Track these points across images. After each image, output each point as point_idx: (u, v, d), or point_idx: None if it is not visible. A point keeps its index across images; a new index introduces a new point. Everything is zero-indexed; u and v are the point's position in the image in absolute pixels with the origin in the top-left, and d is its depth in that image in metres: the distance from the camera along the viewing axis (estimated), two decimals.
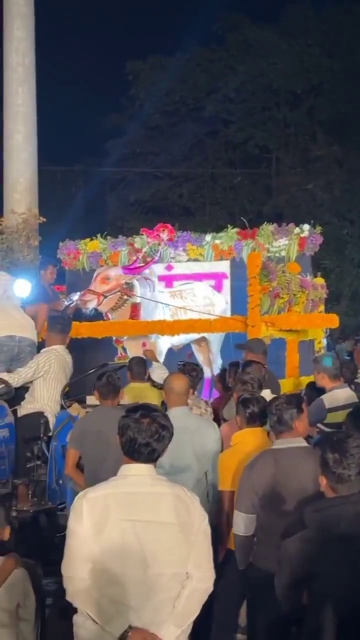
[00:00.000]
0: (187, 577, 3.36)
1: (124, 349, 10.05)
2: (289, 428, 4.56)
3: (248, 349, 7.75)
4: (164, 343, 9.97)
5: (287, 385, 9.03)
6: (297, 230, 10.91)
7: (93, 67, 29.55)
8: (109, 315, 9.95)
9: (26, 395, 7.21)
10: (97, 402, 6.18)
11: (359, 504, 3.12)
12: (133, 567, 3.27)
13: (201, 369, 7.24)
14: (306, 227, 10.96)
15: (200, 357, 10.44)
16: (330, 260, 25.61)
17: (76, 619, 3.50)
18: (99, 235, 11.61)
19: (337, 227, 26.23)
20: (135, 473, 3.40)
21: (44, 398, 7.11)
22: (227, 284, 11.11)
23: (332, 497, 3.19)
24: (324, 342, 15.65)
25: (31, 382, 7.19)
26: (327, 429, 6.37)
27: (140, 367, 7.84)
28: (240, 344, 8.36)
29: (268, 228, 11.00)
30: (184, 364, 7.15)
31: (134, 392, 7.41)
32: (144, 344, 9.86)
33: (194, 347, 10.65)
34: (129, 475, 3.41)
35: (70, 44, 29.32)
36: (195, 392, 7.21)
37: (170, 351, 10.21)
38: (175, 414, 5.57)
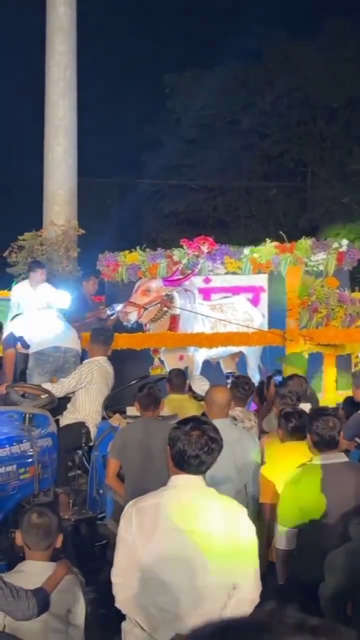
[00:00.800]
0: (234, 588, 3.41)
1: (161, 360, 10.10)
2: (330, 445, 4.60)
3: (289, 363, 7.80)
4: (200, 355, 10.03)
5: (324, 400, 9.06)
6: (335, 244, 10.93)
7: (131, 80, 29.75)
8: (148, 326, 10.03)
9: (68, 406, 7.31)
10: (138, 413, 6.25)
11: None
12: (181, 576, 3.32)
13: (252, 383, 7.29)
14: (345, 241, 10.99)
15: (227, 371, 10.48)
16: None
17: (124, 625, 3.57)
18: (137, 248, 11.70)
19: None
20: (185, 484, 3.46)
21: (86, 409, 7.19)
22: (264, 297, 11.15)
23: None
24: None
25: (73, 392, 7.29)
26: None
27: (179, 379, 7.91)
28: (282, 357, 8.40)
29: (306, 242, 11.03)
30: (237, 377, 7.22)
31: (173, 404, 7.46)
32: (181, 357, 9.93)
33: (222, 362, 10.65)
34: (179, 486, 3.47)
35: (109, 56, 29.58)
36: (246, 406, 7.28)
37: (207, 363, 10.26)
38: (217, 426, 5.65)
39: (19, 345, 8.56)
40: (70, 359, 7.84)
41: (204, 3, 31.31)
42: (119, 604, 3.50)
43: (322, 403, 8.80)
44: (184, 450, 3.43)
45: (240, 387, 6.59)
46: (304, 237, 11.23)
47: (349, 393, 9.95)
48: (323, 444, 4.65)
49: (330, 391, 9.57)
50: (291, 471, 4.82)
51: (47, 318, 8.71)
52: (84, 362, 7.57)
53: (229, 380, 7.90)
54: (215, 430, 3.58)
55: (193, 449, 3.42)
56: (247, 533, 3.47)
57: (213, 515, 3.41)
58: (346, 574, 3.15)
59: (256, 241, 11.49)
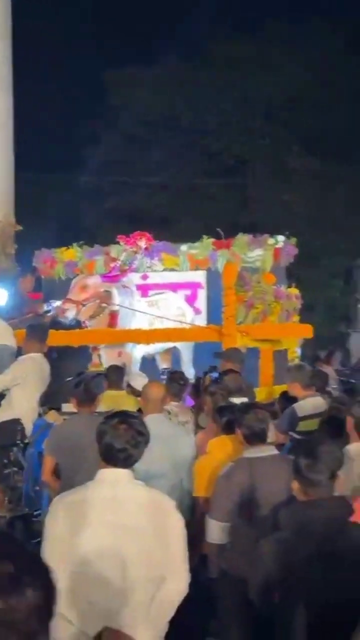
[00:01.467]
0: (162, 580, 3.43)
1: (99, 357, 10.08)
2: (261, 438, 4.66)
3: (226, 357, 7.85)
4: (138, 352, 10.05)
5: (261, 394, 9.16)
6: (271, 241, 11.03)
7: (72, 76, 29.58)
8: (87, 323, 10.00)
9: (2, 403, 7.26)
10: (74, 410, 6.23)
11: (331, 508, 3.22)
12: (109, 570, 3.33)
13: (187, 378, 7.33)
14: (281, 238, 11.09)
15: (163, 366, 10.51)
16: (305, 271, 25.83)
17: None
18: (74, 244, 11.64)
19: (312, 238, 26.47)
20: (112, 478, 3.47)
21: (22, 405, 7.15)
22: (202, 293, 11.21)
23: (305, 500, 3.29)
24: (299, 351, 15.86)
25: (8, 389, 7.24)
26: (299, 437, 6.47)
27: (117, 375, 7.91)
28: (219, 352, 8.45)
29: (243, 238, 11.11)
30: (172, 372, 7.26)
31: (111, 400, 7.44)
32: (119, 353, 9.93)
33: (159, 357, 10.69)
34: (106, 480, 3.48)
35: (48, 52, 29.35)
36: (182, 401, 7.32)
37: (145, 359, 10.28)
38: (151, 421, 5.66)
39: None
40: (5, 356, 7.77)
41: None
42: None
43: (258, 398, 8.90)
44: (111, 444, 3.44)
45: (175, 382, 6.65)
46: (240, 233, 11.30)
47: (285, 388, 10.12)
48: (253, 437, 4.71)
49: (267, 386, 9.66)
50: (224, 465, 4.87)
51: None
52: (18, 359, 7.52)
53: (164, 376, 7.94)
54: (142, 423, 3.60)
55: (120, 442, 3.43)
56: (175, 526, 3.50)
57: (141, 509, 3.42)
58: (273, 563, 3.19)
59: (198, 238, 11.49)
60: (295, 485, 3.34)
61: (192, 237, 11.41)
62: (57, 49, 29.14)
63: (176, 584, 3.48)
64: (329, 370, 16.14)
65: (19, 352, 7.85)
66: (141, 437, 3.50)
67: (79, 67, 29.58)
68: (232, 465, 4.75)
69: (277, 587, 3.22)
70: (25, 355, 7.45)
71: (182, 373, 7.53)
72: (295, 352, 10.88)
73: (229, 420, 5.24)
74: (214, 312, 10.40)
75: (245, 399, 6.40)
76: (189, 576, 3.56)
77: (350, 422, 4.95)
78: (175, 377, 6.90)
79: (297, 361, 10.49)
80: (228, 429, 5.28)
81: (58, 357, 10.30)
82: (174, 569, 3.45)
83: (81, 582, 3.36)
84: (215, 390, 6.20)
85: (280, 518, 3.33)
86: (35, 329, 7.80)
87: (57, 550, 3.42)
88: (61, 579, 3.39)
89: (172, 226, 28.43)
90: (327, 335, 27.42)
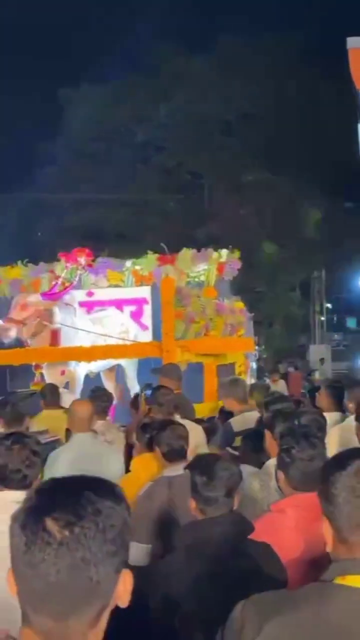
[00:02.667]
0: None
1: (42, 375, 9.96)
2: (180, 455, 4.58)
3: (162, 374, 7.76)
4: (82, 370, 9.95)
5: (205, 409, 9.08)
6: (215, 255, 10.97)
7: (25, 94, 29.56)
8: (29, 342, 9.89)
9: None
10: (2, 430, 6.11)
11: (226, 524, 3.14)
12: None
13: (111, 395, 7.24)
14: (224, 252, 11.03)
15: (109, 385, 10.40)
16: (263, 284, 25.98)
17: None
18: (19, 262, 11.51)
19: (268, 252, 26.64)
20: (8, 500, 3.37)
21: None
22: (147, 309, 11.11)
23: (200, 519, 3.22)
24: (254, 365, 15.83)
25: None
26: (236, 453, 6.40)
27: (54, 395, 7.78)
28: (155, 368, 8.37)
29: (188, 253, 11.03)
30: (94, 390, 7.14)
31: (48, 420, 7.32)
32: (62, 372, 9.82)
33: (103, 375, 10.60)
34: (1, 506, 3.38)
35: (5, 69, 29.37)
36: (108, 418, 7.22)
37: (87, 378, 10.18)
38: (78, 440, 5.59)
39: None
40: None
41: (99, 16, 31.45)
42: None
43: (203, 413, 8.84)
44: (5, 465, 3.36)
45: (99, 400, 6.54)
46: (184, 248, 11.25)
47: None
48: (172, 455, 4.62)
49: (212, 401, 9.58)
50: (145, 484, 4.78)
51: None
52: None
53: (147, 392, 7.84)
54: (37, 443, 3.52)
55: (14, 463, 3.35)
56: None
57: None
58: (170, 583, 3.11)
59: (156, 254, 11.38)
60: (192, 503, 3.26)
61: (152, 253, 11.32)
62: (9, 67, 29.12)
63: None
64: (280, 384, 16.26)
65: None
66: (36, 457, 3.42)
67: (31, 84, 29.59)
68: (151, 485, 4.65)
69: (176, 610, 3.14)
70: None
71: (105, 390, 7.43)
72: (242, 366, 10.80)
73: (151, 437, 5.15)
74: (159, 328, 10.32)
75: (177, 416, 6.31)
76: None
77: (268, 437, 4.88)
78: (99, 395, 6.80)
79: (243, 375, 10.45)
80: (151, 446, 5.20)
81: (1, 377, 10.22)
82: None
83: None
84: (163, 402, 6.07)
85: (175, 537, 3.26)
86: None
87: None
88: None
89: (131, 242, 28.46)
90: (286, 347, 27.52)
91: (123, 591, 1.43)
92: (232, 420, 6.85)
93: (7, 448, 3.38)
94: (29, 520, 1.37)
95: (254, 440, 5.29)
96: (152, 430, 5.18)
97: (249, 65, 28.52)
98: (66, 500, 1.38)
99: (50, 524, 1.36)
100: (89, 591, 1.36)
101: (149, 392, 7.49)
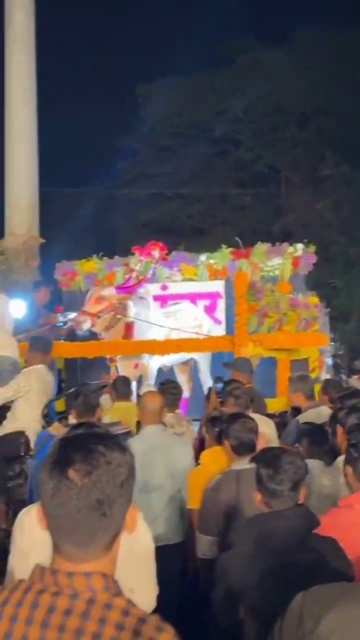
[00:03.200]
0: (130, 591, 3.38)
1: (116, 368, 10.07)
2: (249, 448, 4.58)
3: (234, 368, 7.76)
4: (155, 363, 10.00)
5: (278, 404, 9.05)
6: (290, 249, 10.92)
7: (104, 90, 29.83)
8: (103, 335, 9.99)
9: (7, 415, 7.27)
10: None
11: (292, 518, 3.14)
12: None
13: (180, 387, 7.27)
14: (300, 246, 10.98)
15: (182, 378, 10.44)
16: (339, 279, 25.66)
17: None
18: (94, 256, 11.67)
19: (345, 246, 26.28)
20: None
21: (25, 417, 7.15)
22: (221, 303, 11.14)
23: (266, 512, 3.21)
24: (329, 361, 15.64)
25: (12, 401, 7.25)
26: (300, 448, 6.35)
27: (125, 387, 7.87)
28: (227, 362, 8.37)
29: (262, 247, 11.02)
30: (163, 383, 7.18)
31: (119, 412, 7.43)
32: (136, 365, 9.90)
33: (176, 369, 10.64)
34: None
35: (80, 66, 29.66)
36: (178, 410, 7.25)
37: (161, 371, 10.24)
38: (149, 432, 5.65)
39: None
40: (7, 367, 7.78)
41: (174, 10, 31.48)
42: None
43: (276, 408, 8.81)
44: None
45: (168, 392, 6.57)
46: (259, 242, 11.22)
47: None
48: (241, 448, 4.63)
49: (284, 395, 9.53)
50: (213, 477, 4.80)
51: None
52: (22, 371, 7.51)
53: (218, 385, 7.86)
54: (107, 432, 3.56)
55: None
56: (142, 537, 3.45)
57: None
58: (235, 576, 3.12)
59: (232, 248, 11.38)
60: (257, 496, 3.27)
61: (229, 248, 11.32)
62: (85, 62, 29.41)
63: (144, 596, 3.42)
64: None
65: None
66: None
67: (110, 80, 29.82)
68: (220, 478, 4.67)
69: (240, 602, 3.15)
70: (29, 368, 7.46)
71: (175, 383, 7.44)
72: (316, 362, 10.70)
73: (220, 430, 5.16)
74: (232, 322, 10.32)
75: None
76: (157, 588, 3.51)
77: (340, 432, 4.84)
78: (167, 388, 6.82)
79: (317, 371, 10.37)
80: (220, 439, 5.21)
81: (75, 368, 10.35)
82: (140, 580, 3.40)
83: None
84: (239, 394, 6.05)
85: (240, 531, 3.27)
86: (38, 341, 7.81)
87: (21, 561, 3.40)
88: None
89: (206, 237, 28.46)
90: None
91: (130, 522, 1.85)
92: (300, 417, 6.81)
93: None
94: (55, 472, 1.76)
95: (315, 435, 5.28)
96: (221, 423, 5.19)
97: (325, 57, 28.14)
98: (83, 454, 1.77)
99: (72, 473, 1.75)
100: (103, 524, 1.77)
101: (220, 385, 7.50)
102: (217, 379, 7.52)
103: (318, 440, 5.25)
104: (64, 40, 27.14)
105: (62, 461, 1.78)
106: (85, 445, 1.81)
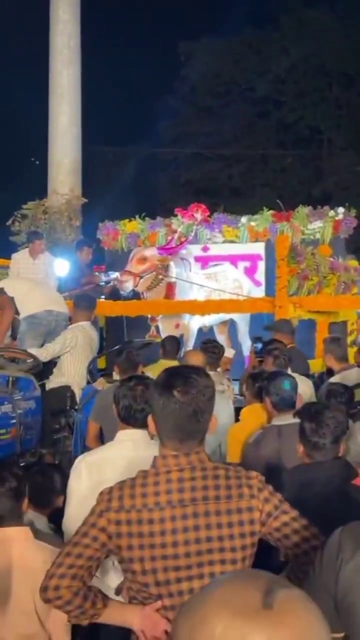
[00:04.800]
0: None
1: (157, 328, 10.26)
2: (289, 404, 4.74)
3: (275, 329, 7.87)
4: (195, 323, 10.17)
5: (316, 366, 9.17)
6: (331, 213, 10.99)
7: (145, 49, 29.66)
8: (145, 295, 10.17)
9: (54, 370, 7.51)
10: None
11: (332, 469, 3.32)
12: None
13: (222, 347, 7.41)
14: (341, 210, 11.03)
15: (221, 338, 10.61)
16: None
17: None
18: (137, 216, 11.82)
19: None
20: (131, 438, 3.64)
21: (71, 372, 7.39)
22: (261, 265, 11.27)
23: (308, 462, 3.40)
24: None
25: (59, 356, 7.49)
26: None
27: (172, 346, 8.00)
28: (268, 324, 8.50)
29: (303, 211, 11.10)
30: (205, 342, 7.33)
31: (162, 369, 7.57)
32: (176, 325, 10.07)
33: (215, 329, 10.81)
34: (124, 440, 3.65)
35: (122, 24, 29.52)
36: (219, 369, 7.41)
37: (200, 331, 10.41)
38: None
39: None
40: (62, 323, 8.03)
41: None
42: None
43: (314, 369, 8.94)
44: (129, 405, 3.60)
45: (210, 351, 6.72)
46: (300, 205, 11.30)
47: None
48: (282, 405, 4.79)
49: (322, 357, 9.67)
50: (253, 432, 4.97)
51: (38, 282, 8.92)
52: (68, 328, 7.74)
53: (256, 345, 7.98)
54: None
55: (138, 402, 3.59)
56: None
57: None
58: None
59: (273, 210, 11.45)
60: (300, 448, 3.45)
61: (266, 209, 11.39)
62: (127, 21, 29.24)
63: None
64: None
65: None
66: None
67: (152, 39, 29.63)
68: (260, 433, 4.84)
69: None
70: (74, 324, 7.68)
71: (216, 342, 7.58)
72: (355, 324, 10.80)
73: (260, 387, 5.32)
74: (272, 284, 10.44)
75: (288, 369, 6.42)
76: None
77: None
78: (209, 347, 6.96)
79: (355, 334, 10.46)
80: (260, 396, 5.37)
81: (119, 327, 10.57)
82: None
83: None
84: (278, 354, 6.18)
85: (283, 479, 3.45)
86: (83, 299, 8.02)
87: (79, 505, 3.61)
88: None
89: (246, 198, 28.38)
90: None
91: (212, 426, 2.58)
92: (333, 379, 6.94)
93: (130, 389, 3.62)
94: (164, 391, 2.49)
95: (340, 395, 5.46)
96: (262, 380, 5.35)
97: None
98: (182, 380, 2.49)
99: (175, 392, 2.47)
100: (197, 427, 2.50)
101: (258, 345, 7.65)
102: (255, 339, 7.66)
103: (344, 399, 5.45)
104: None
105: (168, 385, 2.50)
106: (182, 374, 2.54)
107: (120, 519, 2.53)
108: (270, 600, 1.05)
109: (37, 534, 3.64)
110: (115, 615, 2.64)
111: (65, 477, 4.15)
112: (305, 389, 6.11)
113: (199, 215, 11.03)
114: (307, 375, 7.31)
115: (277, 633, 1.01)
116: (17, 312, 8.08)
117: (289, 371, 6.24)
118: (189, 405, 2.45)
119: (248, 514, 2.51)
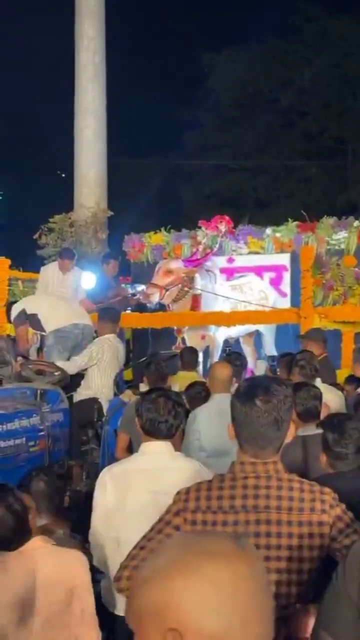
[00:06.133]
0: None
1: (183, 340, 10.31)
2: (314, 415, 4.78)
3: (308, 338, 7.86)
4: (221, 335, 10.21)
5: (342, 376, 9.17)
6: (356, 223, 11.00)
7: (169, 60, 29.84)
8: (171, 307, 10.22)
9: (82, 382, 7.60)
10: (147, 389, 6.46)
11: (355, 479, 3.36)
12: None
13: (245, 358, 7.46)
14: None
15: (247, 349, 10.65)
16: None
17: (103, 583, 3.83)
18: (162, 229, 11.90)
19: None
20: (155, 449, 3.69)
21: (98, 385, 7.47)
22: (287, 276, 11.30)
23: (331, 472, 3.43)
24: None
25: (86, 369, 7.57)
26: None
27: (190, 357, 8.09)
28: (302, 334, 8.50)
29: (328, 221, 11.12)
30: (228, 354, 7.38)
31: (183, 381, 7.64)
32: (203, 336, 10.12)
33: (242, 340, 10.85)
34: (149, 452, 3.71)
35: (146, 37, 29.72)
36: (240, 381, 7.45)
37: (226, 343, 10.45)
38: (218, 400, 5.87)
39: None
40: (88, 336, 8.13)
41: None
42: (96, 562, 3.76)
43: (339, 380, 8.94)
44: (153, 417, 3.66)
45: (232, 363, 6.77)
46: (325, 216, 11.32)
47: None
48: (307, 415, 4.83)
49: (349, 367, 9.67)
50: None
51: (61, 296, 9.02)
52: (94, 341, 7.83)
53: (273, 364, 8.01)
54: (179, 396, 3.82)
55: (161, 414, 3.65)
56: None
57: (182, 478, 3.61)
58: None
59: (298, 221, 11.48)
60: (323, 458, 3.49)
61: (294, 221, 11.42)
62: (151, 33, 29.43)
63: None
64: None
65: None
66: (180, 407, 3.71)
67: (176, 50, 29.79)
68: (286, 443, 4.86)
69: None
70: (101, 337, 7.76)
71: (239, 354, 7.64)
72: None
73: None
74: (297, 295, 10.45)
75: (318, 379, 6.43)
76: None
77: None
78: (232, 359, 7.02)
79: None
80: None
81: (144, 339, 10.64)
82: None
83: (125, 546, 3.60)
84: (304, 364, 6.22)
85: None
86: (107, 312, 8.12)
87: (104, 517, 3.68)
88: (108, 544, 3.67)
89: (270, 209, 28.39)
90: None
91: (289, 434, 2.64)
92: None
93: (152, 402, 3.68)
94: (247, 400, 2.56)
95: None
96: None
97: None
98: (264, 390, 2.55)
99: (258, 401, 2.53)
100: (277, 435, 2.58)
101: (275, 364, 7.69)
102: (270, 358, 7.68)
103: None
104: (132, 12, 27.21)
105: (250, 394, 2.57)
106: (263, 384, 2.61)
107: (196, 519, 2.62)
108: (242, 544, 1.32)
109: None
110: None
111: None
112: (334, 399, 6.13)
113: (223, 227, 11.09)
114: (335, 385, 7.32)
115: (254, 567, 1.30)
116: (42, 329, 8.19)
117: (319, 382, 6.27)
118: (270, 414, 2.54)
119: (318, 528, 2.59)
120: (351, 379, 7.69)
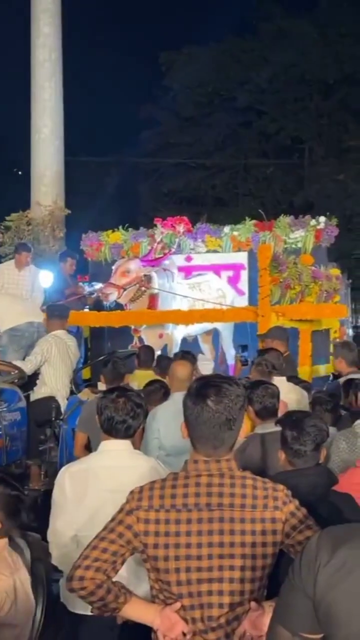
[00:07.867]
0: None
1: (140, 339, 10.29)
2: (271, 413, 4.82)
3: (271, 336, 7.89)
4: (179, 333, 10.22)
5: (301, 373, 9.25)
6: (313, 222, 11.07)
7: (126, 59, 29.79)
8: (128, 306, 10.19)
9: (37, 381, 7.57)
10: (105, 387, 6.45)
11: (313, 476, 3.39)
12: None
13: (194, 356, 7.46)
14: (322, 219, 11.10)
15: (205, 347, 10.68)
16: None
17: (61, 582, 3.82)
18: (120, 227, 11.86)
19: None
20: (114, 448, 3.70)
21: (53, 382, 7.46)
22: (244, 274, 11.33)
23: (290, 470, 3.47)
24: (350, 332, 15.83)
25: (39, 368, 7.56)
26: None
27: (147, 356, 8.11)
28: (263, 334, 8.52)
29: (285, 220, 11.17)
30: (183, 352, 7.41)
31: (139, 379, 7.65)
32: (160, 335, 10.11)
33: (200, 338, 10.88)
34: (108, 451, 3.71)
35: (104, 35, 29.63)
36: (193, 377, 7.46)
37: (184, 341, 10.47)
38: (177, 399, 5.86)
39: None
40: (43, 334, 8.11)
41: None
42: (55, 560, 3.76)
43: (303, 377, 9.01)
44: (111, 416, 3.66)
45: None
46: (282, 215, 11.39)
47: (325, 367, 10.20)
48: (265, 413, 4.87)
49: (306, 366, 9.75)
50: (239, 441, 5.03)
51: (17, 295, 8.97)
52: (42, 338, 7.82)
53: (243, 355, 8.01)
54: (139, 396, 3.81)
55: (120, 414, 3.65)
56: None
57: (141, 476, 3.61)
58: None
59: (253, 219, 11.51)
60: (281, 455, 3.52)
61: (249, 218, 11.45)
62: (109, 31, 29.35)
63: None
64: None
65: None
66: (139, 409, 3.71)
67: (133, 49, 29.77)
68: (245, 441, 4.90)
69: None
70: (48, 334, 7.75)
71: (188, 352, 7.65)
72: (337, 332, 10.90)
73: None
74: (255, 293, 10.50)
75: (283, 378, 6.48)
76: None
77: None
78: (186, 358, 7.04)
79: (345, 338, 10.57)
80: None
81: (101, 338, 10.62)
82: None
83: (84, 545, 3.59)
84: (260, 361, 6.27)
85: None
86: (55, 308, 8.15)
87: (62, 516, 3.67)
88: (67, 543, 3.66)
89: (229, 207, 28.51)
90: None
91: (242, 433, 2.72)
92: (339, 381, 6.96)
93: (112, 401, 3.68)
94: (198, 400, 2.61)
95: (326, 403, 5.55)
96: (245, 389, 5.40)
97: (350, 26, 27.81)
98: (215, 389, 2.60)
99: (209, 401, 2.59)
100: (230, 434, 2.63)
101: (245, 354, 7.72)
102: (241, 347, 7.72)
103: (330, 407, 5.54)
104: (89, 9, 27.10)
105: (202, 394, 2.62)
106: (215, 384, 2.64)
107: (149, 518, 2.65)
108: None
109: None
110: (135, 612, 2.74)
111: None
112: (293, 397, 6.18)
113: (181, 228, 11.10)
114: (296, 379, 7.36)
115: None
116: None
117: (284, 380, 6.32)
118: (222, 414, 2.58)
119: (271, 525, 2.63)
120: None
